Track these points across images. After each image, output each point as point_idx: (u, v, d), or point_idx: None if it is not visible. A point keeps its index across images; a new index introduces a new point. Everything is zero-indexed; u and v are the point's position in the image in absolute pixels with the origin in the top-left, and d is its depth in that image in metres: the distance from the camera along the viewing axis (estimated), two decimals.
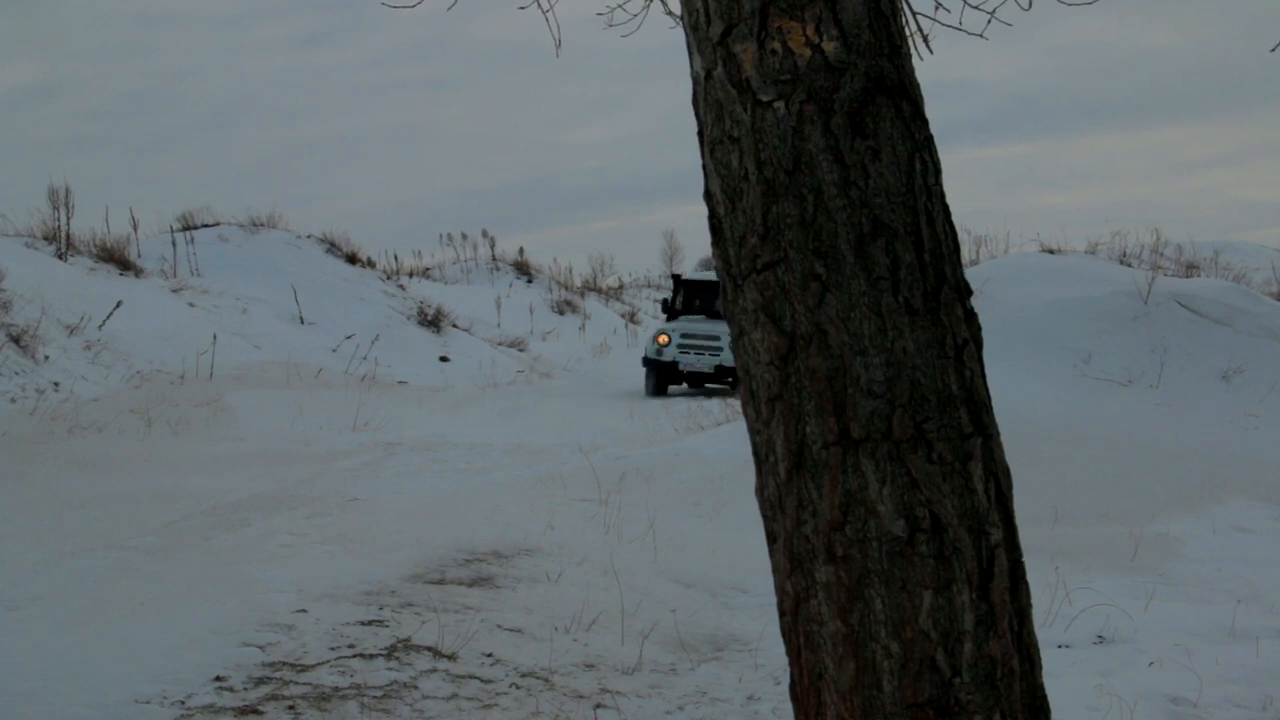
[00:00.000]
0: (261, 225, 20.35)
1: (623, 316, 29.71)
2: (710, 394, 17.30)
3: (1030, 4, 3.54)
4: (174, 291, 15.77)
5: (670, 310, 17.32)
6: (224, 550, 5.68)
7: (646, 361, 16.11)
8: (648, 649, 4.16)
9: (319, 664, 3.89)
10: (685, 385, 17.02)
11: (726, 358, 15.41)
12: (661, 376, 16.14)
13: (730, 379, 15.60)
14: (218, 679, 3.69)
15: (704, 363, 15.74)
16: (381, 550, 5.74)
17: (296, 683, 3.70)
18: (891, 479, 1.77)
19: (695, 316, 16.73)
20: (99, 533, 5.91)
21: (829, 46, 1.80)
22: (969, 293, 1.89)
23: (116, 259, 15.93)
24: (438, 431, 11.30)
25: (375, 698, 3.60)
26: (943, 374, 1.80)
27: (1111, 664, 4.03)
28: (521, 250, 30.34)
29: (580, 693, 3.75)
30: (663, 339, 16.00)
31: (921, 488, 1.77)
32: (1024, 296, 11.73)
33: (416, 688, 3.72)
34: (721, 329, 15.38)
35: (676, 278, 18.06)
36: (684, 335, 15.91)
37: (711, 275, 16.92)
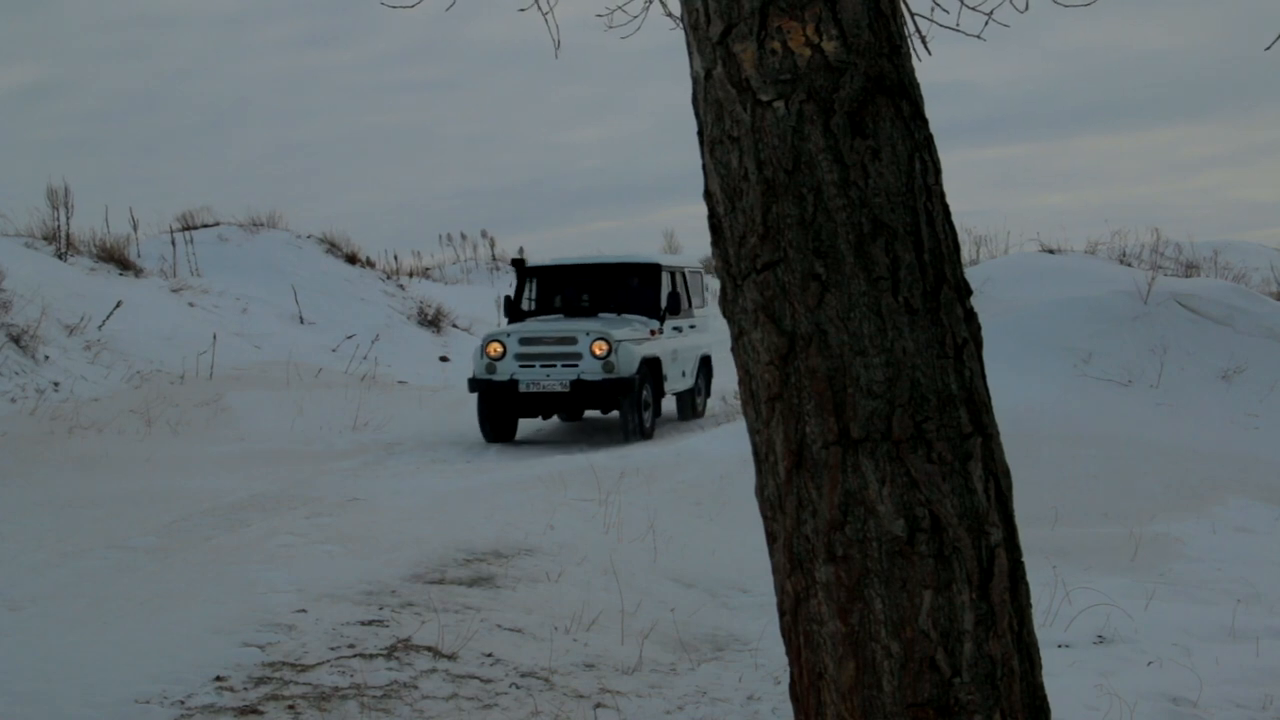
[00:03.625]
0: (261, 225, 20.33)
1: None
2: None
3: (1026, 6, 3.54)
4: (174, 291, 15.77)
5: (512, 310, 11.60)
6: (224, 550, 5.68)
7: (475, 385, 10.56)
8: (648, 649, 4.16)
9: (319, 664, 3.89)
10: (541, 419, 11.46)
11: (589, 369, 10.24)
12: (498, 406, 10.58)
13: (610, 401, 10.61)
14: (218, 679, 3.69)
15: (556, 379, 10.29)
16: (381, 550, 5.74)
17: (296, 683, 3.70)
18: (891, 479, 1.77)
19: (552, 317, 11.44)
20: (99, 533, 5.91)
21: (829, 46, 1.80)
22: (969, 293, 1.89)
23: (116, 259, 15.93)
24: (438, 431, 11.30)
25: (375, 698, 3.60)
26: (942, 374, 1.80)
27: (1111, 664, 4.03)
28: (521, 250, 30.27)
29: (580, 693, 3.75)
30: (494, 348, 10.48)
31: (921, 488, 1.77)
32: (1024, 296, 11.73)
33: (416, 688, 3.72)
34: (583, 328, 10.56)
35: (519, 264, 12.08)
36: (525, 341, 10.49)
37: (573, 259, 12.09)
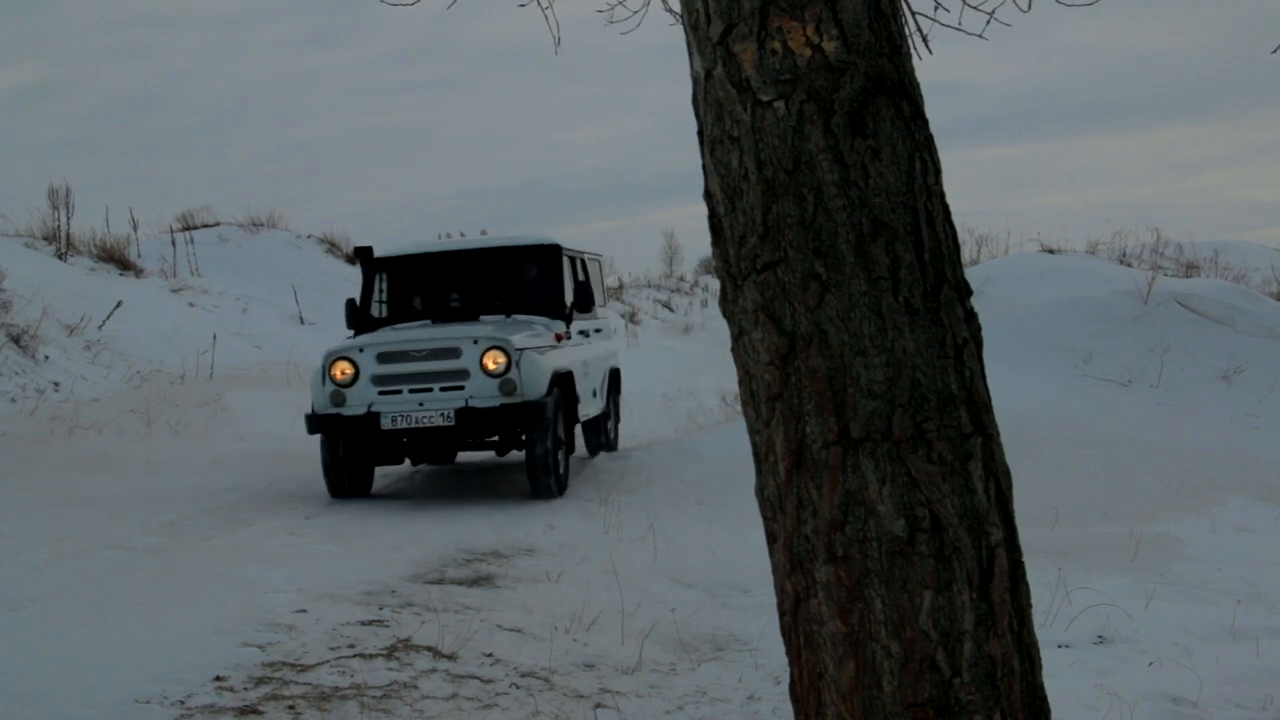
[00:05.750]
0: (261, 225, 20.33)
1: (623, 316, 29.74)
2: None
3: (1030, 5, 3.54)
4: (174, 291, 15.77)
5: (358, 317, 8.36)
6: (224, 550, 5.68)
7: (316, 423, 7.33)
8: (648, 649, 4.16)
9: (319, 664, 3.89)
10: (408, 462, 8.30)
11: (480, 391, 7.17)
12: (351, 450, 7.54)
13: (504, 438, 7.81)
14: (218, 679, 3.70)
15: (435, 409, 7.13)
16: (381, 550, 5.74)
17: (296, 683, 3.70)
18: (891, 479, 1.77)
19: (417, 324, 8.22)
20: (99, 533, 5.91)
21: (829, 46, 1.80)
22: (969, 293, 1.89)
23: (116, 259, 15.92)
24: None
25: (375, 698, 3.60)
26: (943, 374, 1.80)
27: (1111, 664, 4.03)
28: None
29: (580, 693, 3.75)
30: (342, 369, 7.33)
31: (921, 488, 1.77)
32: (1024, 296, 11.74)
33: (416, 688, 3.72)
34: (468, 334, 7.33)
35: (364, 254, 8.74)
36: (386, 357, 7.35)
37: (440, 244, 8.82)
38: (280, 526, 6.32)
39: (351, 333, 8.24)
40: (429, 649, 4.08)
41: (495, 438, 7.79)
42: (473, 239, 8.84)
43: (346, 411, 7.23)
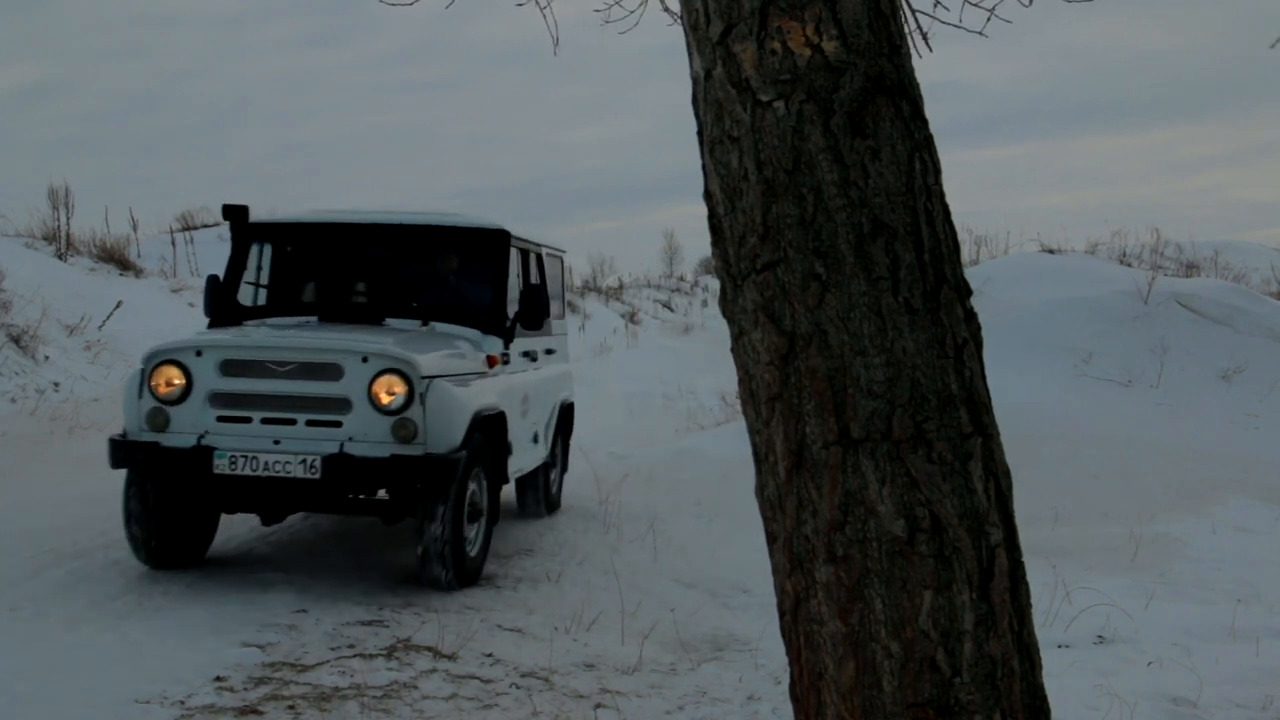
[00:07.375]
0: None
1: (623, 317, 29.77)
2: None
3: (1030, 1, 3.54)
4: (174, 291, 15.77)
5: (219, 302, 5.87)
6: (224, 550, 5.68)
7: (123, 451, 4.91)
8: (648, 649, 4.16)
9: (319, 664, 3.89)
10: (262, 522, 5.60)
11: (364, 432, 4.80)
12: (171, 498, 5.05)
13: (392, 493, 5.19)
14: (218, 679, 3.70)
15: (296, 451, 4.75)
16: (382, 550, 5.74)
17: (296, 683, 3.70)
18: (891, 479, 1.77)
19: (296, 321, 5.78)
20: (98, 533, 5.91)
21: (829, 46, 1.80)
22: (969, 293, 1.89)
23: (116, 259, 15.92)
24: None
25: (375, 698, 3.60)
26: (943, 374, 1.80)
27: (1111, 664, 4.03)
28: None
29: (580, 693, 3.75)
30: (167, 378, 4.91)
31: (921, 488, 1.77)
32: (1024, 296, 11.73)
33: (416, 688, 3.72)
34: (355, 345, 4.92)
35: (237, 216, 5.89)
36: (231, 367, 4.93)
37: (349, 214, 6.17)
38: (280, 526, 6.32)
39: (208, 319, 5.90)
40: (429, 649, 4.08)
41: (381, 496, 5.29)
42: (391, 211, 6.18)
43: (168, 441, 4.89)
